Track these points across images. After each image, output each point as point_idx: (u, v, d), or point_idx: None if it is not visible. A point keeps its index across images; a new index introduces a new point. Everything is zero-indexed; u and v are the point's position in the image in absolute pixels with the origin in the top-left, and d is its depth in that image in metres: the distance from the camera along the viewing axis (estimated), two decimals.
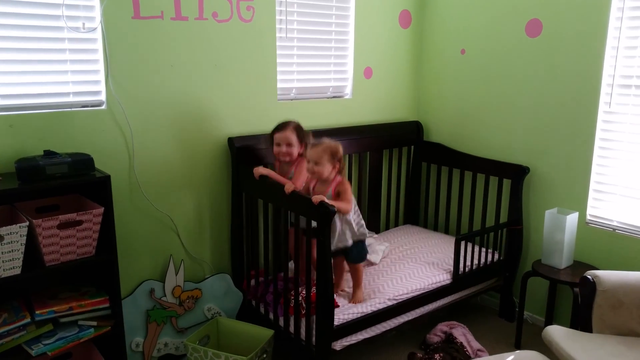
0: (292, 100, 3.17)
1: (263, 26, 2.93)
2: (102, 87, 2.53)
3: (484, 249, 3.13)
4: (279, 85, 3.07)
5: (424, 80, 3.71)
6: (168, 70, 2.66)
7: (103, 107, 2.53)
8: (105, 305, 2.33)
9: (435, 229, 3.68)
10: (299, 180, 2.69)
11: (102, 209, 2.26)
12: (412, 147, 3.72)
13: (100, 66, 2.50)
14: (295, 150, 2.69)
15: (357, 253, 2.65)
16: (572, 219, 2.85)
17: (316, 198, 2.30)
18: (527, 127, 3.16)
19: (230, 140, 2.87)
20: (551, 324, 3.04)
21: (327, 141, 2.54)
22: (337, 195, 2.52)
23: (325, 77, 3.31)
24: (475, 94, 3.41)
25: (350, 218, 2.57)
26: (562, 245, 2.85)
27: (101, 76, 2.51)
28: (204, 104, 2.80)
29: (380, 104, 3.55)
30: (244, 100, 2.94)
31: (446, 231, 3.61)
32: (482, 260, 3.11)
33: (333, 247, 2.53)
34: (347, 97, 3.42)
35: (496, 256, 3.21)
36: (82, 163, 2.26)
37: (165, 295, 2.76)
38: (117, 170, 2.57)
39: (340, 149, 2.55)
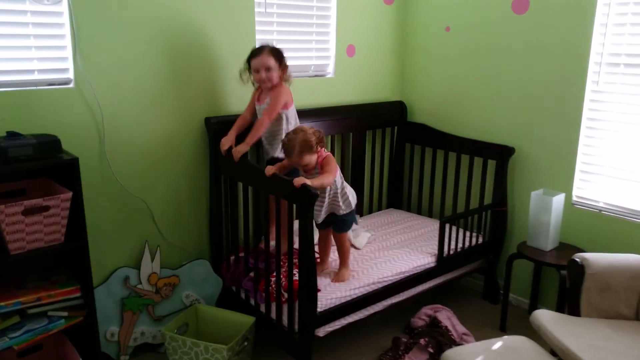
0: None
1: (241, 1, 2.79)
2: (69, 64, 2.37)
3: (468, 232, 3.07)
4: None
5: (407, 59, 3.61)
6: (141, 46, 2.51)
7: (70, 85, 2.38)
8: (76, 294, 2.22)
9: (419, 212, 3.62)
10: (274, 110, 2.53)
11: (70, 194, 2.13)
12: (396, 127, 3.63)
13: (67, 41, 2.35)
14: (276, 74, 2.53)
15: (343, 223, 2.57)
16: (558, 200, 2.80)
17: (297, 181, 2.20)
18: (513, 106, 3.09)
19: (208, 120, 2.74)
20: (536, 307, 3.03)
21: (301, 134, 2.38)
22: (322, 169, 2.44)
23: (306, 54, 3.18)
24: (460, 72, 3.32)
25: (340, 187, 2.50)
26: (548, 227, 2.81)
27: (68, 52, 2.36)
28: (180, 81, 2.66)
29: (363, 83, 3.45)
30: (220, 79, 2.80)
31: (430, 214, 3.55)
32: (467, 242, 3.06)
33: (321, 216, 2.47)
34: (329, 75, 3.30)
35: (480, 239, 3.16)
36: (48, 145, 2.11)
37: (140, 283, 2.65)
38: (87, 152, 2.44)
39: (317, 134, 2.41)
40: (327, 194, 2.48)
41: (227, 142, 2.62)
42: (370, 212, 3.62)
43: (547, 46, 2.89)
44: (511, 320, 3.02)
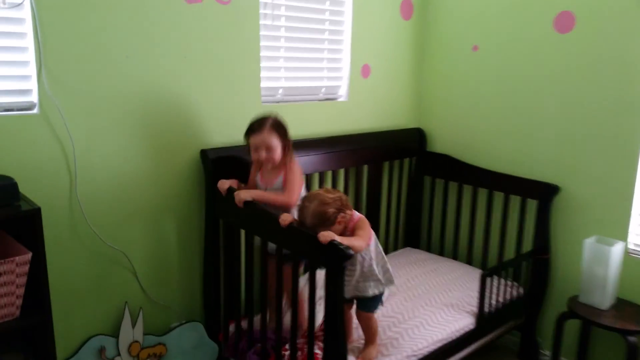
0: (278, 103, 2.58)
1: (244, 9, 2.33)
2: (32, 84, 1.88)
3: (508, 283, 2.63)
4: (263, 84, 2.48)
5: (427, 81, 3.19)
6: (122, 63, 2.03)
7: (34, 111, 1.89)
8: None
9: (441, 253, 3.17)
10: (294, 194, 2.12)
11: (29, 255, 1.62)
12: (413, 158, 3.20)
13: (30, 56, 1.86)
14: (278, 153, 2.11)
15: (372, 300, 2.09)
16: (617, 250, 2.39)
17: (325, 235, 1.73)
18: (555, 138, 2.68)
19: (204, 152, 2.26)
20: None
21: (315, 204, 1.89)
22: (353, 233, 1.95)
23: (317, 75, 2.74)
24: (490, 97, 2.91)
25: (372, 259, 2.01)
26: (605, 282, 2.39)
27: (31, 70, 1.87)
28: (169, 107, 2.18)
29: (378, 108, 3.01)
30: (220, 102, 2.33)
31: (454, 256, 3.10)
32: (507, 296, 2.62)
33: (347, 294, 1.97)
34: (341, 99, 2.86)
35: (520, 290, 2.72)
36: (2, 190, 1.61)
37: (119, 355, 2.13)
38: (53, 195, 1.94)
39: (338, 202, 1.91)
40: (357, 267, 2.00)
41: (228, 182, 2.16)
42: (386, 252, 3.14)
43: (596, 69, 2.50)
44: None
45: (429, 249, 3.24)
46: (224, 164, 2.28)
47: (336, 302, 1.75)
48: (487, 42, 2.89)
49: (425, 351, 2.21)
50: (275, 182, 2.17)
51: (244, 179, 2.28)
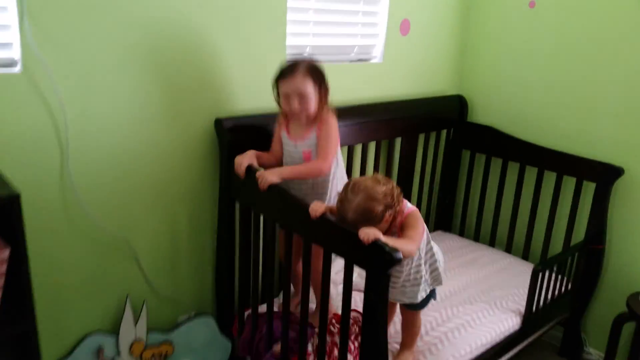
0: None
1: None
2: (13, 36, 1.53)
3: (559, 277, 2.33)
4: (289, 41, 2.11)
5: (472, 41, 2.79)
6: (124, 9, 1.67)
7: (16, 69, 1.55)
8: None
9: (476, 239, 2.86)
10: (327, 159, 1.79)
11: (6, 252, 1.32)
12: (451, 129, 2.84)
13: (10, 0, 1.50)
14: (314, 103, 1.77)
15: (423, 301, 1.79)
16: None
17: (367, 233, 1.41)
18: (620, 112, 2.31)
19: (219, 122, 1.92)
20: None
21: (362, 196, 1.52)
22: (401, 230, 1.63)
23: (350, 31, 2.35)
24: (545, 63, 2.52)
25: (422, 258, 1.70)
26: None
27: (11, 17, 1.52)
28: (177, 65, 1.83)
29: (416, 71, 2.63)
30: (238, 62, 1.98)
31: (491, 243, 2.79)
32: (556, 292, 2.32)
33: (390, 298, 1.66)
34: (375, 60, 2.48)
35: (568, 284, 2.42)
36: None
37: (119, 355, 1.87)
38: (40, 173, 1.62)
39: (390, 195, 1.55)
40: (403, 269, 1.68)
41: (245, 159, 1.82)
42: None
43: None
44: None
45: (462, 233, 2.92)
46: (242, 135, 1.94)
47: (377, 313, 1.44)
48: None
49: (467, 358, 1.94)
50: (307, 137, 1.83)
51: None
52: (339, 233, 1.53)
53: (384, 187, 1.55)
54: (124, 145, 1.77)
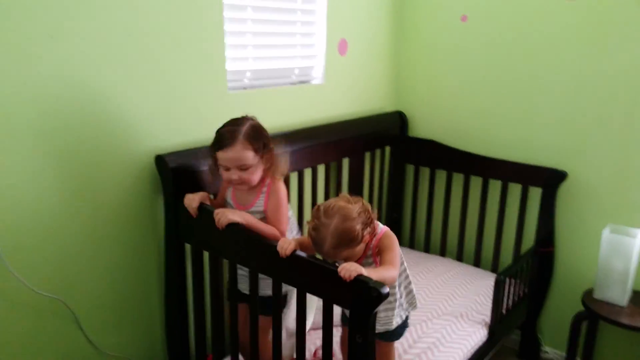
0: (245, 89, 2.09)
1: None
2: None
3: (516, 282, 2.34)
4: (229, 66, 1.98)
5: (407, 57, 2.79)
6: (45, 44, 1.47)
7: None
8: None
9: (427, 250, 2.84)
10: (282, 225, 1.68)
11: None
12: (393, 146, 2.81)
13: None
14: (255, 174, 1.64)
15: (398, 328, 1.70)
16: (634, 241, 2.15)
17: (347, 270, 1.31)
18: (560, 118, 2.38)
19: (161, 160, 1.74)
20: None
21: (338, 219, 1.43)
22: (377, 254, 1.54)
23: (289, 54, 2.26)
24: (481, 74, 2.57)
25: (396, 281, 1.60)
26: (626, 276, 2.16)
27: None
28: (111, 100, 1.64)
29: (356, 90, 2.58)
30: (177, 91, 1.81)
31: (442, 253, 2.79)
32: (516, 298, 2.33)
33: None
34: (316, 81, 2.41)
35: (524, 288, 2.45)
36: None
37: None
38: None
39: (366, 213, 1.47)
40: None
41: (197, 196, 1.67)
42: None
43: (607, 40, 2.21)
44: None
45: (412, 245, 2.90)
46: (186, 171, 1.78)
47: (365, 356, 1.34)
48: (478, 11, 2.53)
49: None
50: (254, 204, 1.71)
51: (216, 190, 1.80)
52: (314, 271, 1.41)
53: (356, 205, 1.46)
54: (50, 195, 1.55)
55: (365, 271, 1.32)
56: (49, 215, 1.55)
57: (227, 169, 1.62)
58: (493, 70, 2.53)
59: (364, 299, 1.30)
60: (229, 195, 1.76)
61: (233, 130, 1.61)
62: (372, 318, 1.32)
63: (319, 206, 1.49)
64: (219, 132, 1.63)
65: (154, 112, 1.75)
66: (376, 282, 1.30)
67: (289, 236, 1.72)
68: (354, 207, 1.45)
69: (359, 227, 1.43)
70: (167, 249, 1.82)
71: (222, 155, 1.61)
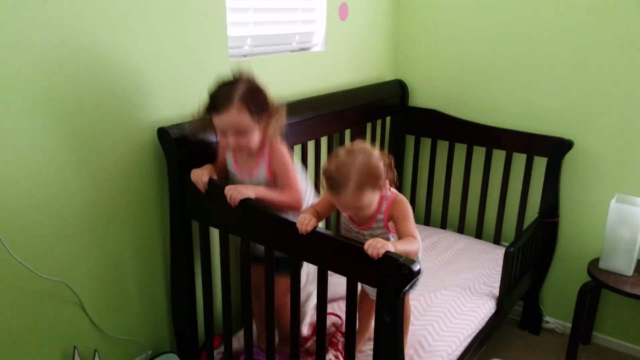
0: (246, 57, 1.98)
1: None
2: None
3: (523, 254, 2.32)
4: (230, 32, 1.86)
5: (407, 24, 2.69)
6: (38, 9, 1.33)
7: None
8: None
9: (427, 223, 2.80)
10: (297, 191, 1.59)
11: None
12: (393, 116, 2.73)
13: None
14: (254, 137, 1.54)
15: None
16: None
17: (374, 245, 1.25)
18: (565, 85, 2.33)
19: (163, 132, 1.63)
20: (590, 335, 2.44)
21: (362, 157, 1.40)
22: (388, 220, 1.49)
23: (289, 18, 2.14)
24: (484, 42, 2.49)
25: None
26: (633, 246, 2.15)
27: None
28: (109, 68, 1.52)
29: (357, 57, 2.49)
30: (178, 58, 1.69)
31: (443, 226, 2.75)
32: (523, 270, 2.32)
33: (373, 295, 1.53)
34: (317, 48, 2.30)
35: (528, 260, 2.43)
36: None
37: None
38: None
39: (385, 160, 1.45)
40: None
41: (205, 171, 1.58)
42: None
43: (615, 7, 2.15)
44: (555, 349, 2.38)
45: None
46: (190, 143, 1.67)
47: (394, 336, 1.29)
48: None
49: (458, 352, 1.86)
50: (257, 172, 1.62)
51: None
52: (338, 248, 1.34)
53: (376, 149, 1.45)
54: (45, 176, 1.43)
55: (392, 247, 1.26)
56: (49, 195, 1.44)
57: (224, 134, 1.53)
58: (496, 37, 2.45)
59: (394, 277, 1.24)
60: (230, 158, 1.66)
61: (228, 93, 1.50)
62: (402, 296, 1.26)
63: (337, 150, 1.45)
64: (213, 95, 1.53)
65: (154, 80, 1.64)
66: (406, 259, 1.24)
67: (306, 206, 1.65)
68: (375, 151, 1.43)
69: (382, 166, 1.41)
70: (172, 227, 1.73)
71: (217, 119, 1.52)
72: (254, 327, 1.80)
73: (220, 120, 1.51)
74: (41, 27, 1.34)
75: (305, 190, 1.66)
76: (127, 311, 1.73)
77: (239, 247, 1.65)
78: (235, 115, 1.49)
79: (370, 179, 1.38)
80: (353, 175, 1.37)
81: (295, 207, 1.56)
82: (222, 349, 1.79)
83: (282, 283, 1.57)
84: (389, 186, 1.49)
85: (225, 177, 1.70)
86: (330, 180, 1.40)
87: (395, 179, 1.48)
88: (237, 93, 1.50)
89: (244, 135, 1.52)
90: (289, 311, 1.52)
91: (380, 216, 1.47)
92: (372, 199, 1.41)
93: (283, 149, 1.61)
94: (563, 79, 2.33)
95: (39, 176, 1.41)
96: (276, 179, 1.61)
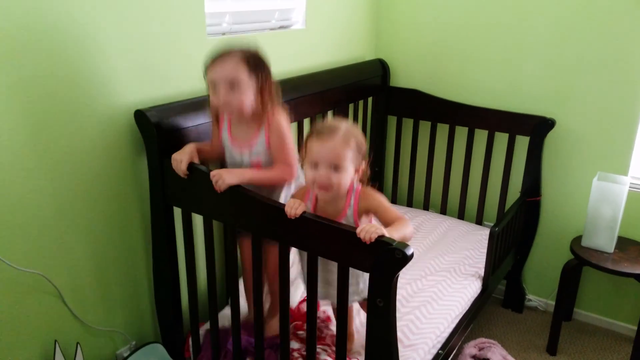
0: (224, 34, 1.90)
1: None
2: None
3: (507, 233, 2.32)
4: (207, 8, 1.78)
5: (387, 2, 2.64)
6: None
7: None
8: None
9: (410, 204, 2.79)
10: (293, 163, 1.54)
11: None
12: (375, 96, 2.69)
13: None
14: (247, 96, 1.47)
15: None
16: (626, 188, 2.16)
17: (367, 231, 1.21)
18: (547, 65, 2.33)
19: (141, 114, 1.56)
20: (571, 312, 2.48)
21: (353, 128, 1.41)
22: (367, 212, 1.44)
23: None
24: (465, 20, 2.46)
25: None
26: (615, 223, 2.18)
27: None
28: (81, 47, 1.43)
29: (338, 36, 2.43)
30: (154, 37, 1.61)
31: (425, 207, 2.74)
32: (507, 249, 2.32)
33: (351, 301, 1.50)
34: (297, 26, 2.23)
35: (511, 239, 2.44)
36: None
37: None
38: None
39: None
40: None
41: (185, 155, 1.51)
42: None
43: None
44: (537, 326, 2.42)
45: (394, 200, 2.83)
46: (171, 126, 1.60)
47: (388, 321, 1.26)
48: None
49: (447, 333, 1.86)
50: (255, 143, 1.56)
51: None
52: (329, 233, 1.30)
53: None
54: (16, 160, 1.36)
55: (386, 232, 1.23)
56: (22, 184, 1.37)
57: (215, 87, 1.46)
58: (478, 16, 2.42)
59: (387, 261, 1.21)
60: (225, 132, 1.60)
61: (230, 46, 1.48)
62: (395, 281, 1.23)
63: (316, 122, 1.48)
64: (212, 51, 1.48)
65: (129, 60, 1.56)
66: (399, 242, 1.21)
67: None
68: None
69: (364, 149, 1.41)
70: (153, 214, 1.66)
71: (211, 71, 1.46)
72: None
73: (215, 71, 1.45)
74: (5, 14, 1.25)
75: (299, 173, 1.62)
76: (108, 302, 1.66)
77: (222, 230, 1.60)
78: (231, 65, 1.44)
79: (357, 142, 1.38)
80: (343, 129, 1.38)
81: (286, 181, 1.53)
82: (207, 326, 1.74)
83: (277, 251, 1.52)
84: (357, 179, 1.44)
85: (222, 159, 1.63)
86: (318, 127, 1.40)
87: (368, 177, 1.45)
88: (237, 47, 1.48)
89: (237, 90, 1.45)
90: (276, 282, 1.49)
91: (350, 211, 1.42)
92: (350, 165, 1.36)
93: (282, 120, 1.54)
94: (544, 57, 2.32)
95: (6, 165, 1.33)
96: (270, 147, 1.55)
